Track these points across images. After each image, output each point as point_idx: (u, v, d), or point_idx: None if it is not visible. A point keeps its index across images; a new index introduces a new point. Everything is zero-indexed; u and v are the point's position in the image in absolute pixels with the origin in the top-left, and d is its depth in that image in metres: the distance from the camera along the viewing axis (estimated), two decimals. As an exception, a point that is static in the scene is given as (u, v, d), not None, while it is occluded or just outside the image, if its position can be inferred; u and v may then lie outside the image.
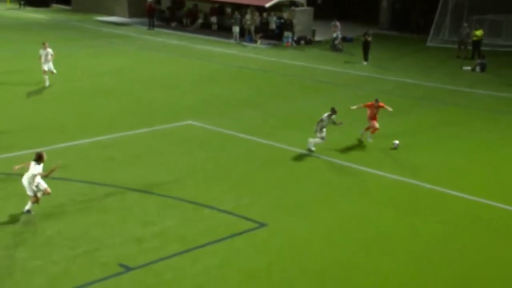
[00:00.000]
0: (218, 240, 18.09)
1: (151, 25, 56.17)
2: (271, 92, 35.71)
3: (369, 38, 44.49)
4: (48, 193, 18.91)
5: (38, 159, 18.56)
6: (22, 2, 64.37)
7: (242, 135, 27.43)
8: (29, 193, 18.56)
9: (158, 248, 17.56)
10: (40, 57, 33.65)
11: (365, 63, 44.38)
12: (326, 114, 24.96)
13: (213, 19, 56.10)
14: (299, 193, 21.72)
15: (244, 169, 23.81)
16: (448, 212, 20.60)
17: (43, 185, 18.76)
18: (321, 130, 24.91)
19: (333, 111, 25.02)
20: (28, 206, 18.77)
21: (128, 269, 16.32)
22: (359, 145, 26.43)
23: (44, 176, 18.68)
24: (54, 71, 34.12)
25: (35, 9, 62.44)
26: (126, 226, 18.90)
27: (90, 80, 36.81)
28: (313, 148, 25.06)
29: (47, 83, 33.94)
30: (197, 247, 17.64)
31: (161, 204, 20.46)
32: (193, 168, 23.71)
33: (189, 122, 29.17)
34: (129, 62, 42.96)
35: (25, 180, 18.53)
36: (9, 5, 64.52)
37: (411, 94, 36.22)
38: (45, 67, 33.72)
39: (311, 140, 25.01)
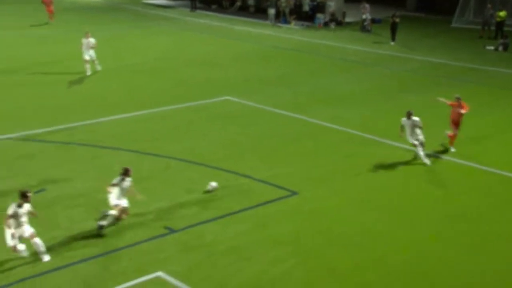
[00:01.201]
0: (253, 207, 18.43)
1: (193, 8, 56.36)
2: (303, 70, 35.82)
3: (397, 20, 44.25)
4: (123, 215, 16.96)
5: (125, 173, 17.01)
6: None
7: (275, 110, 27.65)
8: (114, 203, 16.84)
9: (199, 213, 17.97)
10: (82, 45, 32.60)
11: (392, 43, 44.21)
12: (404, 119, 21.91)
13: (251, 1, 56.15)
14: (327, 164, 21.87)
15: (277, 142, 23.98)
16: (468, 184, 20.64)
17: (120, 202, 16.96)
18: (412, 135, 21.80)
19: (409, 114, 21.76)
20: (104, 221, 16.74)
21: (172, 231, 16.78)
22: (386, 120, 26.47)
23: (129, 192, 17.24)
24: (99, 67, 33.23)
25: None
26: (170, 192, 19.32)
27: (136, 59, 37.25)
28: (425, 160, 21.91)
29: (88, 73, 32.83)
30: (234, 213, 18.01)
31: (202, 173, 20.76)
32: (230, 140, 24.06)
33: (227, 97, 29.46)
34: (173, 42, 43.36)
35: (113, 198, 16.88)
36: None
37: (436, 73, 36.06)
38: (87, 56, 32.56)
39: (421, 154, 21.85)
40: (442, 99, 23.74)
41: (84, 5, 56.52)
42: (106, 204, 17.61)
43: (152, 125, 25.49)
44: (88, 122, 25.47)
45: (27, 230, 15.08)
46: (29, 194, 15.16)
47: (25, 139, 23.49)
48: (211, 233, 16.85)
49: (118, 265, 15.24)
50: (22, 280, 14.40)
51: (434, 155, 22.64)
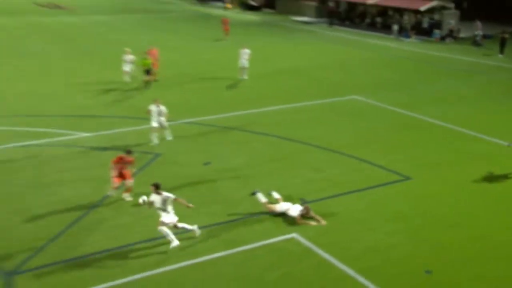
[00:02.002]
0: (372, 187, 18.30)
1: (331, 24, 56.08)
2: (419, 76, 34.84)
3: (506, 35, 42.09)
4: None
5: (306, 213, 15.89)
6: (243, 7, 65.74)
7: (393, 108, 27.18)
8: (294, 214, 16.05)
9: (326, 189, 18.06)
10: (242, 55, 32.49)
11: (500, 55, 42.03)
12: None
13: (378, 19, 55.14)
14: (436, 154, 21.32)
15: (393, 134, 23.59)
16: None
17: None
18: None
19: None
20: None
21: (305, 202, 16.87)
22: (489, 120, 25.36)
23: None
24: (245, 76, 32.54)
25: (251, 12, 63.88)
26: (302, 170, 19.51)
27: (283, 63, 37.62)
28: None
29: (244, 77, 32.59)
30: (355, 191, 17.97)
31: (329, 157, 20.86)
32: (354, 131, 23.89)
33: (354, 96, 29.23)
34: (312, 50, 43.38)
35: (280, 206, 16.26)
36: (229, 6, 66.42)
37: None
38: (242, 64, 32.38)
39: None
40: None
41: (244, 21, 57.78)
42: (253, 178, 18.24)
43: (292, 116, 25.75)
44: (243, 112, 26.16)
45: (173, 218, 14.64)
46: (160, 187, 14.61)
47: (199, 123, 24.48)
48: (337, 206, 16.93)
49: (261, 225, 15.68)
50: (180, 232, 15.18)
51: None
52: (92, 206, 16.65)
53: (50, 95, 28.50)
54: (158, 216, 14.63)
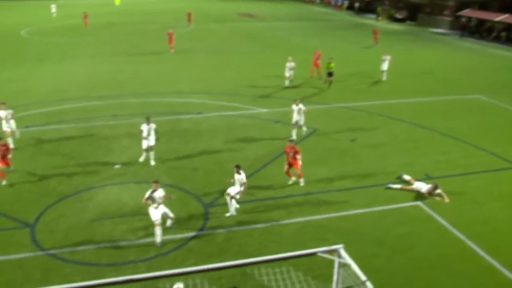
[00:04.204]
0: (485, 171, 16.79)
1: (462, 35, 51.31)
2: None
3: None
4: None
5: (433, 190, 14.57)
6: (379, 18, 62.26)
7: (510, 107, 24.53)
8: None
9: (448, 168, 16.81)
10: (383, 60, 29.75)
11: None
12: None
13: (503, 33, 49.36)
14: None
15: (508, 129, 21.17)
16: None
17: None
18: None
19: None
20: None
21: (429, 177, 16.03)
22: None
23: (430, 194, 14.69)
24: (384, 78, 29.52)
25: (397, 23, 60.43)
26: (429, 152, 18.35)
27: (418, 65, 35.18)
28: None
29: (384, 78, 29.88)
30: (471, 173, 16.54)
31: (452, 143, 19.38)
32: (475, 123, 21.79)
33: (477, 96, 26.63)
34: (443, 56, 39.96)
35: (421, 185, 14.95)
36: (380, 19, 63.14)
37: None
38: (383, 68, 29.70)
39: None
40: None
41: (391, 31, 54.86)
42: (389, 154, 17.36)
43: (423, 108, 24.06)
44: (383, 102, 24.95)
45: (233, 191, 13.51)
46: (239, 167, 13.43)
47: (348, 108, 23.88)
48: (455, 183, 15.73)
49: (392, 192, 15.06)
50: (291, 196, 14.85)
51: None
52: (264, 165, 16.97)
53: (241, 79, 29.34)
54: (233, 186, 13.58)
